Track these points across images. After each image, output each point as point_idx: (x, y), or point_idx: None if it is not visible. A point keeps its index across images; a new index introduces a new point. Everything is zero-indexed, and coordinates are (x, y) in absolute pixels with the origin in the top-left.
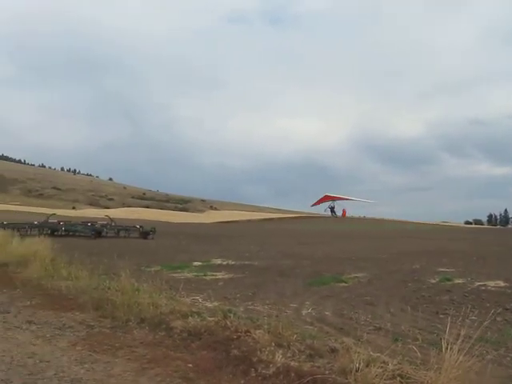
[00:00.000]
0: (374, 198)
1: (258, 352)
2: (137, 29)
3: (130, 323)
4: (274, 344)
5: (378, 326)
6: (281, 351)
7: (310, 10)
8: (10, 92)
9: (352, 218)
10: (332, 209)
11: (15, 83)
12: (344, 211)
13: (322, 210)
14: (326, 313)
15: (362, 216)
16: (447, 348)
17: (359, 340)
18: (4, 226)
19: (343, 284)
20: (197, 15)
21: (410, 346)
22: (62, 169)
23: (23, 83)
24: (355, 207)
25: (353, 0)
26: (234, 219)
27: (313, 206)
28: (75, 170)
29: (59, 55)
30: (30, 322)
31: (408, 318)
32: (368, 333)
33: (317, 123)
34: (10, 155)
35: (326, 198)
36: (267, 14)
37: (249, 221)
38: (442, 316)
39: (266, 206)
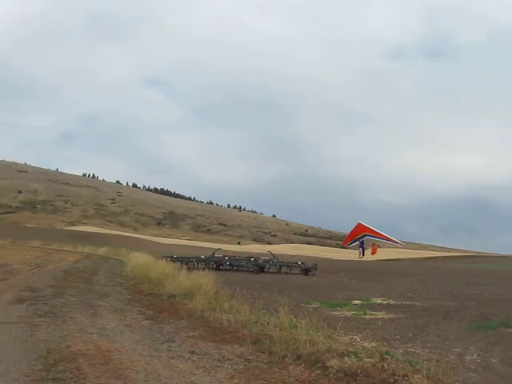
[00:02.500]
0: None
1: None
2: (298, 73)
3: (287, 359)
4: None
5: None
6: None
7: (471, 41)
8: (183, 135)
9: None
10: (362, 243)
11: (185, 126)
12: (375, 247)
13: (356, 244)
14: (493, 360)
15: None
16: None
17: None
18: (174, 260)
19: None
20: (357, 55)
21: None
22: (229, 206)
23: (193, 126)
24: None
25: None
26: (397, 257)
27: (347, 244)
28: (241, 207)
29: (227, 100)
30: (192, 352)
31: None
32: None
33: (481, 157)
34: (182, 193)
35: (360, 228)
36: (427, 49)
37: (412, 259)
38: None
39: (430, 243)
